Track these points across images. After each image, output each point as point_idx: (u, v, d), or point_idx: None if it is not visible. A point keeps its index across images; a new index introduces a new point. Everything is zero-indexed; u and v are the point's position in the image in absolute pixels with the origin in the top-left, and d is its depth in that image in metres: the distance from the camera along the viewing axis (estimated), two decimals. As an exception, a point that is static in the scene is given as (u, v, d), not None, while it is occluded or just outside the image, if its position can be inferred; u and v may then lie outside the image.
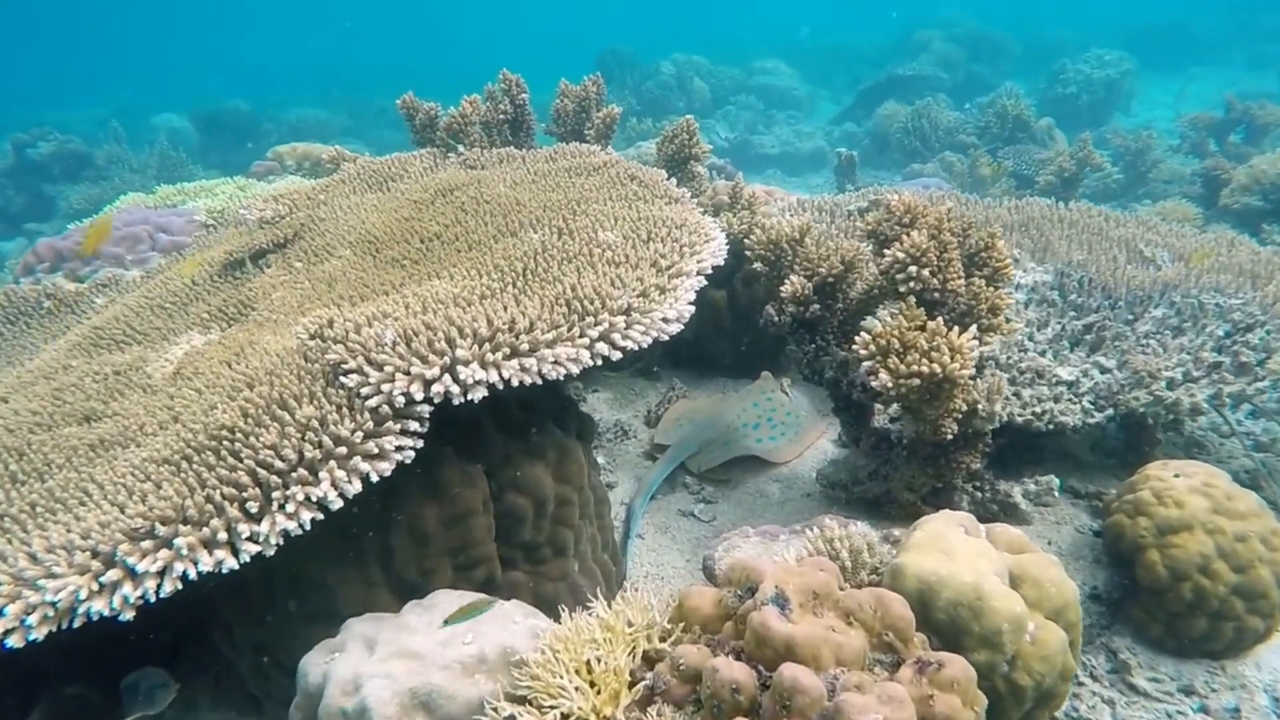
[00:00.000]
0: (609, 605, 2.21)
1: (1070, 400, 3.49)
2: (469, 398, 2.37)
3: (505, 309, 2.63)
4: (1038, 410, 3.33)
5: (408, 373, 2.37)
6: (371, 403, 2.36)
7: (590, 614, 2.14)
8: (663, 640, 2.03)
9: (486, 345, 2.42)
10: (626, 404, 5.07)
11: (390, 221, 3.82)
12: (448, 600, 2.31)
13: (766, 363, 4.90)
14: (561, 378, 2.48)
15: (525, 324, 2.52)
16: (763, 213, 4.70)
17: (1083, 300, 4.09)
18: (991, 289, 3.04)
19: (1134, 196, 8.83)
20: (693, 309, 2.90)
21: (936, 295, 2.98)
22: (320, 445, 2.28)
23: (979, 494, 3.34)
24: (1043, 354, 3.82)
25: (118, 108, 20.47)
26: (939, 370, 2.65)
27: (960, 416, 2.93)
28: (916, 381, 2.68)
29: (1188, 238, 4.59)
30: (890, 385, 2.74)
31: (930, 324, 2.77)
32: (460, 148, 4.81)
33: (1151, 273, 4.21)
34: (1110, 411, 3.46)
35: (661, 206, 3.64)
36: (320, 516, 2.23)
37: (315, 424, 2.32)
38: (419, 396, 2.35)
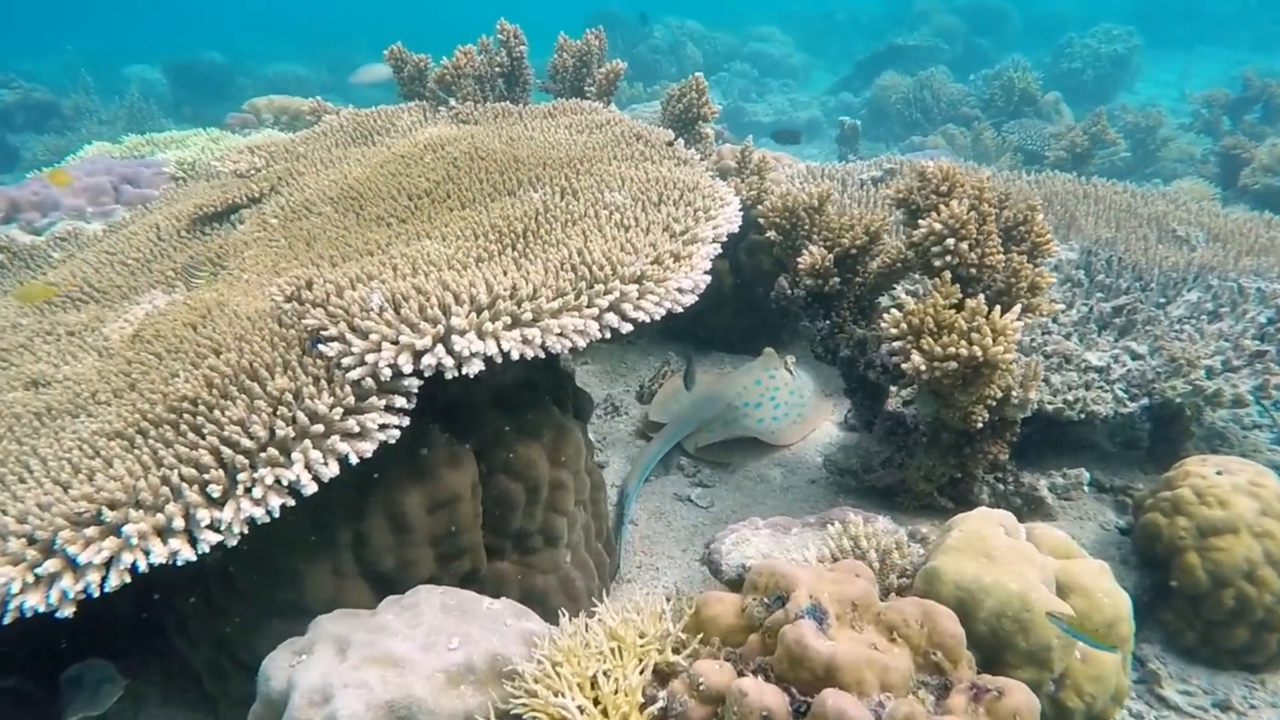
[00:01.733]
0: (602, 600, 1.99)
1: (1101, 388, 3.28)
2: (464, 371, 2.11)
3: (505, 274, 2.36)
4: (1070, 399, 3.12)
5: (396, 342, 2.10)
6: (354, 375, 2.09)
7: (595, 619, 1.90)
8: (676, 652, 1.80)
9: (485, 313, 2.16)
10: (617, 378, 4.82)
11: (375, 177, 3.52)
12: (429, 599, 2.06)
13: (768, 338, 4.66)
14: (566, 351, 2.23)
15: (528, 290, 2.25)
16: (771, 179, 4.43)
17: (1111, 281, 3.87)
18: (1031, 266, 2.80)
19: (1143, 175, 8.61)
20: (709, 279, 2.65)
21: (973, 271, 2.74)
22: (294, 422, 2.02)
23: (1000, 486, 3.13)
24: (1068, 337, 3.60)
25: (88, 57, 19.64)
26: (979, 354, 2.41)
27: (994, 404, 2.70)
28: (953, 365, 2.45)
29: (1221, 218, 4.37)
30: (923, 368, 2.50)
31: (970, 302, 2.53)
32: (451, 101, 4.49)
33: (1185, 253, 3.99)
34: (1145, 401, 3.25)
35: (670, 168, 3.36)
36: (291, 502, 1.97)
37: (289, 398, 2.05)
38: (408, 369, 2.09)
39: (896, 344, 2.59)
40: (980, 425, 2.74)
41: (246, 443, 1.98)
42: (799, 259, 3.16)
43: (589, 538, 2.91)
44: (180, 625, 2.37)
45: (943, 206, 2.70)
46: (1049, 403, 3.11)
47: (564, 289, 2.30)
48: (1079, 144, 7.80)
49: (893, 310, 2.62)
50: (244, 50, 20.69)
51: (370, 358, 2.07)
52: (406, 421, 2.13)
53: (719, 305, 4.66)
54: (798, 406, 4.17)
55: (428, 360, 2.07)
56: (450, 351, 2.09)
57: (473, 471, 2.46)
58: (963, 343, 2.44)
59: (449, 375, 2.10)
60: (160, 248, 3.55)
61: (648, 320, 2.36)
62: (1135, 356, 3.47)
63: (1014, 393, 2.77)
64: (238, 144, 5.03)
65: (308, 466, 1.97)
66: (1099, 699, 1.98)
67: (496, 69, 4.70)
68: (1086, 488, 3.10)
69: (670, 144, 3.58)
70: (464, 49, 4.60)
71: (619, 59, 4.62)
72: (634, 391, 4.65)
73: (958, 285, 2.69)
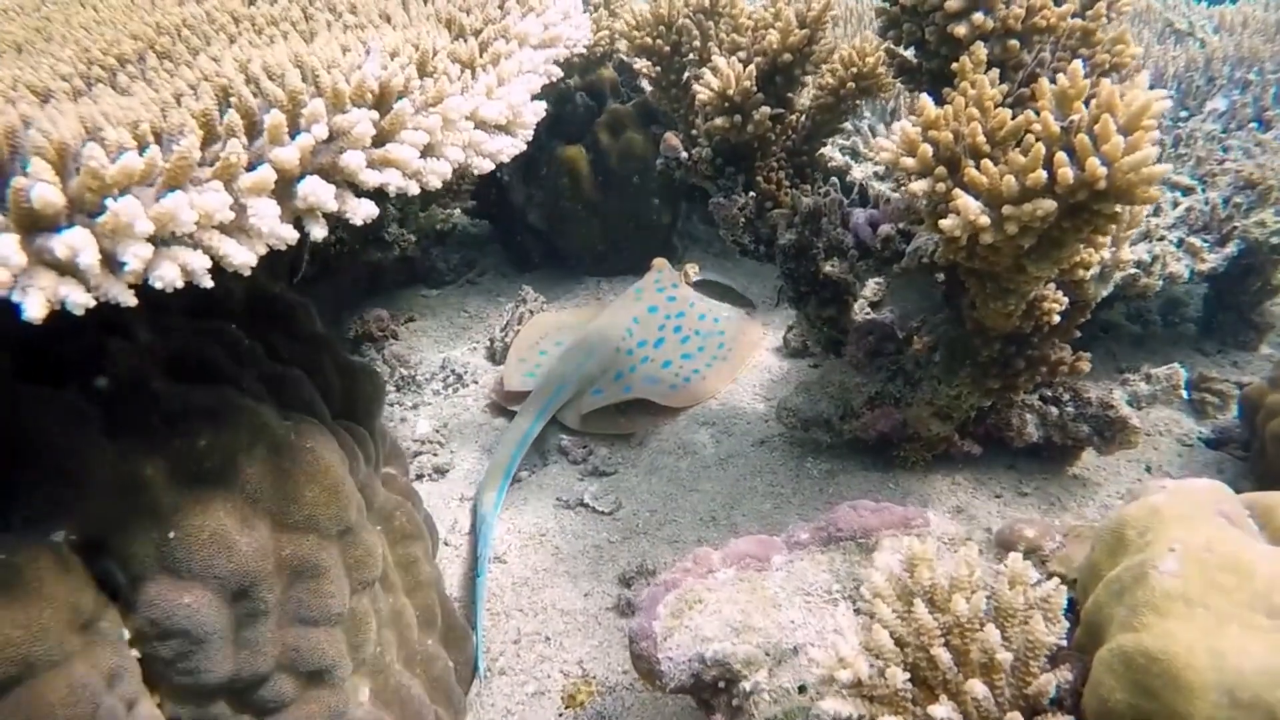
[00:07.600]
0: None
1: (1164, 240, 2.18)
2: None
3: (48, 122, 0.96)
4: (1144, 258, 2.00)
5: None
6: None
7: None
8: None
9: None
10: (459, 334, 3.46)
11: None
12: None
13: (656, 248, 3.39)
14: (196, 281, 0.87)
15: (71, 143, 0.86)
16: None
17: (1113, 97, 2.78)
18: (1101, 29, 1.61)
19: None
20: (541, 111, 1.33)
21: (1014, 44, 1.52)
22: None
23: (1055, 410, 1.99)
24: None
25: None
26: (1101, 175, 1.20)
27: (1081, 279, 1.53)
28: (1050, 205, 1.23)
29: (1210, 6, 3.34)
30: (985, 224, 1.27)
31: (1046, 85, 1.30)
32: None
33: (1196, 50, 2.93)
34: (1231, 250, 2.17)
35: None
36: None
37: None
38: None
39: (918, 186, 1.35)
40: (1055, 321, 1.57)
41: None
42: (698, 86, 1.87)
43: (409, 638, 1.58)
44: None
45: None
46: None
47: (179, 127, 0.92)
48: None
49: (901, 126, 1.37)
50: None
51: None
52: None
53: (580, 211, 3.34)
54: (715, 335, 2.94)
55: None
56: None
57: (74, 589, 1.09)
58: (1060, 159, 1.22)
59: None
60: None
61: (405, 191, 1.02)
62: (1185, 191, 2.39)
63: (1100, 257, 1.60)
64: None
65: None
66: None
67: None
68: (1184, 391, 2.00)
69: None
70: None
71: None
72: (483, 349, 3.31)
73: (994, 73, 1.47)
